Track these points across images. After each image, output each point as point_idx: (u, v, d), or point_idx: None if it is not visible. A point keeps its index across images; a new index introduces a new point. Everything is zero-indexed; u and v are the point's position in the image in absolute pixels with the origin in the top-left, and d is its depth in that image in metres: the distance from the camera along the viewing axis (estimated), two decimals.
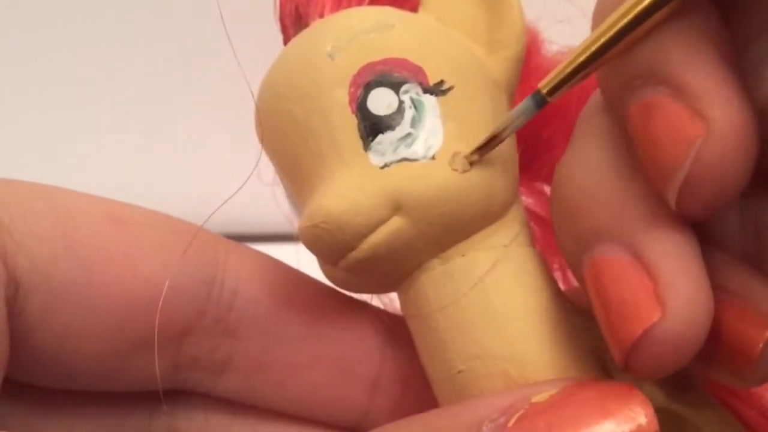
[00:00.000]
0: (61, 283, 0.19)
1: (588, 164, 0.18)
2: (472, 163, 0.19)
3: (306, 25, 0.21)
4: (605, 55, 0.17)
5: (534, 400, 0.17)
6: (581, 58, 0.17)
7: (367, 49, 0.19)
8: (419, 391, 0.21)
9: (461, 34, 0.20)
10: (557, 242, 0.19)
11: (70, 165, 0.46)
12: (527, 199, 0.26)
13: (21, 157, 0.47)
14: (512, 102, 0.21)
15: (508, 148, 0.20)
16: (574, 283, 0.26)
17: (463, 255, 0.19)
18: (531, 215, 0.26)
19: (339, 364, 0.21)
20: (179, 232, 0.21)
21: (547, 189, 0.26)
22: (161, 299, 0.20)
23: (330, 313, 0.20)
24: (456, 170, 0.19)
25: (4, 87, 0.46)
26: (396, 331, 0.22)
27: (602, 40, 0.17)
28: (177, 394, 0.22)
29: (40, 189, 0.20)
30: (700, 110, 0.15)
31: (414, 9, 0.21)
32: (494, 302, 0.19)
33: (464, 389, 0.19)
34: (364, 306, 0.22)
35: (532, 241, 0.20)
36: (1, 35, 0.46)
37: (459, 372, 0.19)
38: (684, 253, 0.16)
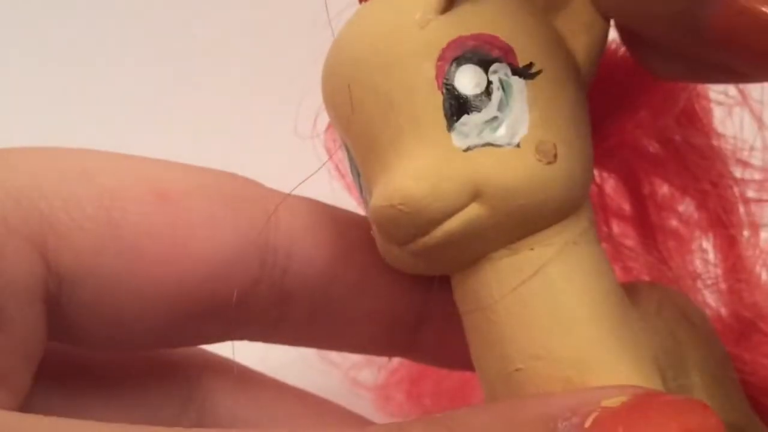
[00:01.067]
0: (109, 272, 0.18)
1: None
2: (556, 155, 0.18)
3: None
4: None
5: (604, 403, 0.16)
6: None
7: (458, 21, 0.18)
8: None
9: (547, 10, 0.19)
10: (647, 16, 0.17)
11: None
12: None
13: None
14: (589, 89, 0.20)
15: (587, 141, 0.19)
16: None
17: (532, 249, 0.18)
18: None
19: (388, 311, 0.21)
20: (227, 196, 0.20)
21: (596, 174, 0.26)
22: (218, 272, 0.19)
23: (378, 262, 0.20)
24: (541, 161, 0.18)
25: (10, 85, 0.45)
26: None
27: None
28: (205, 396, 0.22)
29: (81, 167, 0.19)
30: None
31: None
32: (560, 300, 0.18)
33: (520, 389, 0.18)
34: None
35: (598, 239, 0.20)
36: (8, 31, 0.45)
37: (516, 370, 0.18)
38: None
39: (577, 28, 0.20)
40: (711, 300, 0.26)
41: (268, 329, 0.21)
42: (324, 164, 0.20)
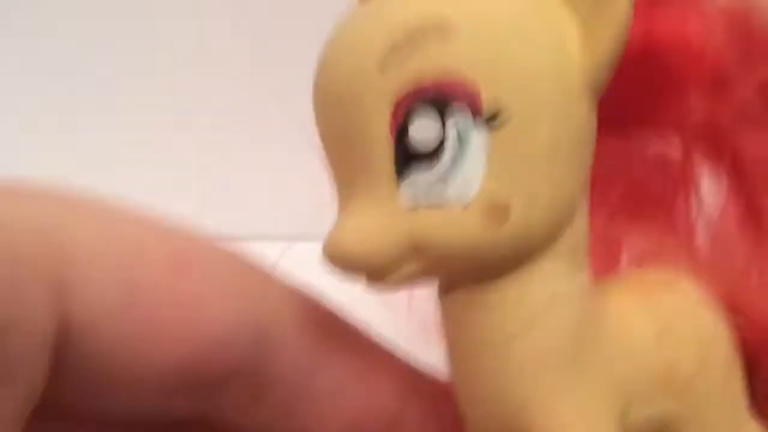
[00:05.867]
0: (117, 332, 0.18)
1: None
2: (508, 213, 0.17)
3: None
4: None
5: None
6: None
7: (420, 64, 0.17)
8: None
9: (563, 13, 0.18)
10: None
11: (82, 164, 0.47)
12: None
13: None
14: (597, 100, 0.18)
15: (568, 179, 0.18)
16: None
17: (485, 293, 0.18)
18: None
19: (363, 419, 0.21)
20: (239, 278, 0.20)
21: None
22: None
23: (360, 366, 0.21)
24: (489, 225, 0.17)
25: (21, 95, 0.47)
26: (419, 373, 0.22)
27: None
28: None
29: (109, 220, 0.19)
30: None
31: None
32: (510, 343, 0.18)
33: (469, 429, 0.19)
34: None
35: (580, 268, 0.19)
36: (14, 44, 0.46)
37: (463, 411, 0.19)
38: None
39: (589, 34, 0.18)
40: None
41: (242, 414, 0.21)
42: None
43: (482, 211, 0.17)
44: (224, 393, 0.21)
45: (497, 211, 0.17)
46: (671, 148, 0.24)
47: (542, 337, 0.18)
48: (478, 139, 0.17)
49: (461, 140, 0.17)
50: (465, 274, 0.18)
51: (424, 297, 0.23)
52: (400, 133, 0.17)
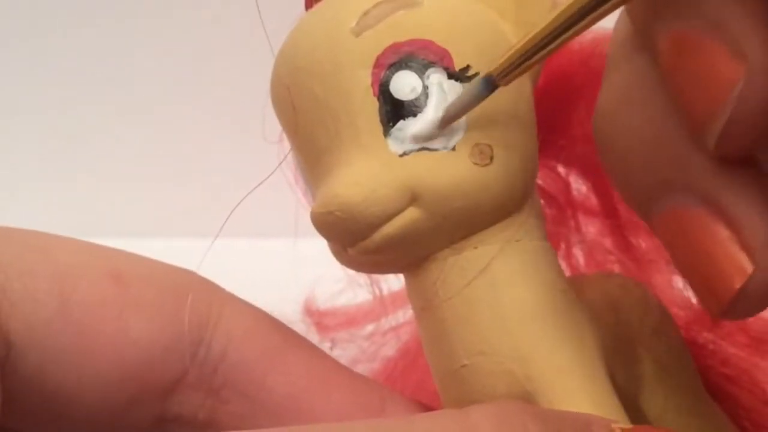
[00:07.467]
0: (54, 346, 0.19)
1: (634, 103, 0.17)
2: (492, 157, 0.18)
3: None
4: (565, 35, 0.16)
5: (614, 426, 0.17)
6: (535, 40, 0.17)
7: (393, 27, 0.18)
8: None
9: (490, 8, 0.20)
10: (615, 186, 0.19)
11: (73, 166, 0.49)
12: (542, 180, 0.26)
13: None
14: (534, 88, 0.20)
15: (528, 141, 0.19)
16: (580, 268, 0.27)
17: (475, 248, 0.19)
18: (544, 195, 0.26)
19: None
20: (177, 286, 0.21)
21: (562, 169, 0.26)
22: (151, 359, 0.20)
23: (321, 381, 0.20)
24: (476, 164, 0.18)
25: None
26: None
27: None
28: None
29: (40, 242, 0.20)
30: (740, 49, 0.14)
31: None
32: (502, 298, 0.19)
33: (467, 384, 0.19)
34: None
35: (545, 235, 0.20)
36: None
37: (463, 366, 0.19)
38: (757, 196, 0.16)
39: (519, 25, 0.20)
40: (683, 287, 0.26)
41: (197, 429, 0.21)
42: (278, 167, 0.21)
43: (469, 152, 0.18)
44: (178, 399, 0.20)
45: (482, 152, 0.18)
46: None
47: (523, 290, 0.19)
48: (455, 90, 0.18)
49: (440, 89, 0.18)
50: (456, 225, 0.18)
51: None
52: (383, 87, 0.18)
